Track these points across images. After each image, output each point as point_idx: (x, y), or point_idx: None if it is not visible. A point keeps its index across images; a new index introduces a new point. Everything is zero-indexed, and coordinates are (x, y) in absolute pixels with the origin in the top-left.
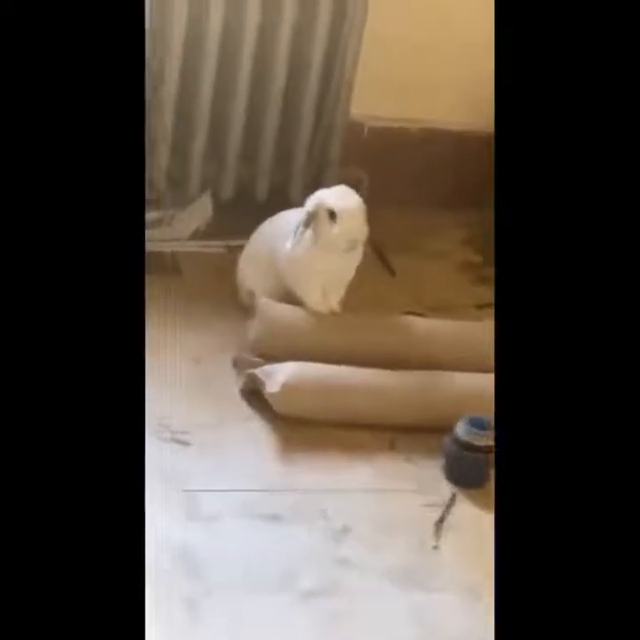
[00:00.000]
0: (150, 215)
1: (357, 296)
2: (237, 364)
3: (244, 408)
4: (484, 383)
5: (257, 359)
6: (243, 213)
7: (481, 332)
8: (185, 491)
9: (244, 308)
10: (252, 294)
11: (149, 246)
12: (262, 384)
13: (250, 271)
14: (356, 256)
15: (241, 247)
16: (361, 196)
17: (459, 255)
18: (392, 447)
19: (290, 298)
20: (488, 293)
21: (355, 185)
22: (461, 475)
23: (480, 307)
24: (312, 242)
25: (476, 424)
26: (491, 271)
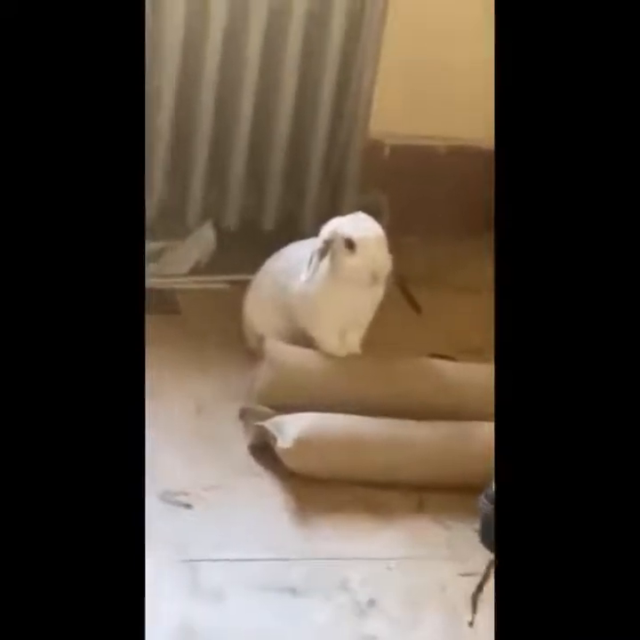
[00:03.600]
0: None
1: (379, 337)
2: (244, 416)
3: (253, 465)
4: None
5: (266, 410)
6: (248, 245)
7: None
8: (185, 560)
9: (251, 352)
10: (259, 336)
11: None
12: (273, 438)
13: (257, 310)
14: (378, 291)
15: (247, 283)
16: (381, 223)
17: (492, 290)
18: (420, 508)
19: (303, 340)
20: None
21: (374, 211)
22: None
23: None
24: (328, 275)
25: None
26: None
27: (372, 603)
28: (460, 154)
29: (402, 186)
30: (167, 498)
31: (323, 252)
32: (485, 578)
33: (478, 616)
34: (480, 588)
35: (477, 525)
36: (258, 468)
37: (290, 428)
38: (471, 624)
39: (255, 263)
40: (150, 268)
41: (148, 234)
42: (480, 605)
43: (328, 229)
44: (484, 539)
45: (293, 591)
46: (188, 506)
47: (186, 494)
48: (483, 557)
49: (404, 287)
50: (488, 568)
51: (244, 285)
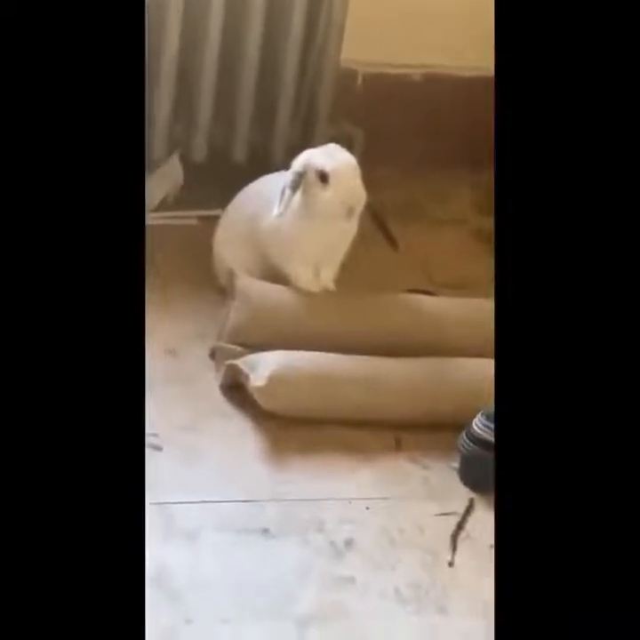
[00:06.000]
0: None
1: (354, 272)
2: (216, 355)
3: (225, 405)
4: None
5: (239, 348)
6: (218, 179)
7: None
8: (157, 503)
9: (222, 290)
10: (230, 273)
11: None
12: (245, 377)
13: (228, 246)
14: (352, 225)
15: (217, 218)
16: (355, 155)
17: (473, 222)
18: (398, 447)
19: (275, 276)
20: None
21: (347, 143)
22: (479, 477)
23: None
24: (300, 209)
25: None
26: None
27: (348, 544)
28: (436, 81)
29: (375, 116)
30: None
31: (295, 186)
32: (465, 517)
33: (458, 556)
34: (459, 527)
35: (456, 464)
36: (230, 409)
37: (263, 367)
38: (451, 564)
39: (225, 197)
40: None
41: None
42: (460, 545)
43: (300, 161)
44: (464, 478)
45: (267, 533)
46: (158, 448)
47: (157, 436)
48: (462, 496)
49: (380, 222)
50: (468, 507)
51: (213, 221)
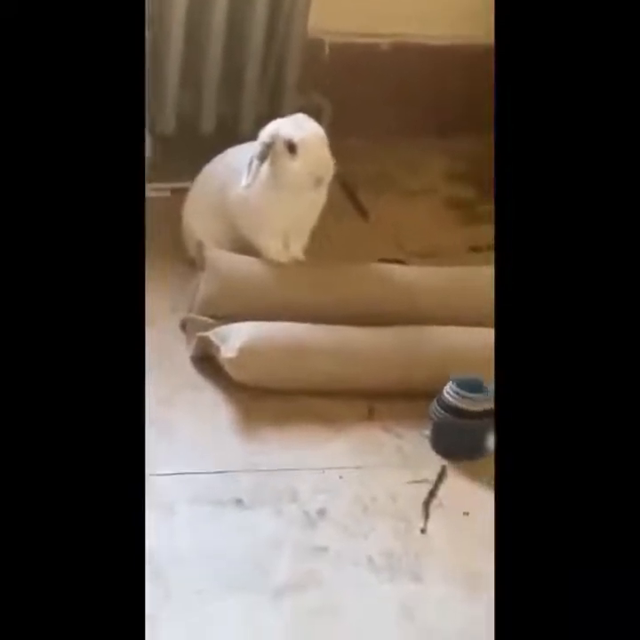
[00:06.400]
0: None
1: (325, 243)
2: (186, 327)
3: (196, 377)
4: (476, 338)
5: (209, 320)
6: (186, 150)
7: (473, 279)
8: None
9: (191, 261)
10: (200, 245)
11: None
12: (216, 348)
13: (196, 217)
14: (321, 195)
15: (185, 190)
16: (323, 125)
17: (444, 191)
18: (370, 416)
19: (244, 247)
20: (483, 234)
21: (316, 113)
22: (452, 445)
23: (474, 249)
24: (269, 180)
25: (468, 386)
26: (485, 208)
27: (321, 513)
28: (404, 50)
29: (344, 86)
30: None
31: (262, 156)
32: (437, 484)
33: (430, 523)
34: (432, 494)
35: (428, 432)
36: (201, 381)
37: (233, 338)
38: (423, 531)
39: (194, 170)
40: None
41: None
42: (432, 512)
43: (267, 132)
44: (435, 445)
45: (241, 503)
46: None
47: None
48: (434, 464)
49: (350, 192)
50: (439, 474)
51: (182, 193)
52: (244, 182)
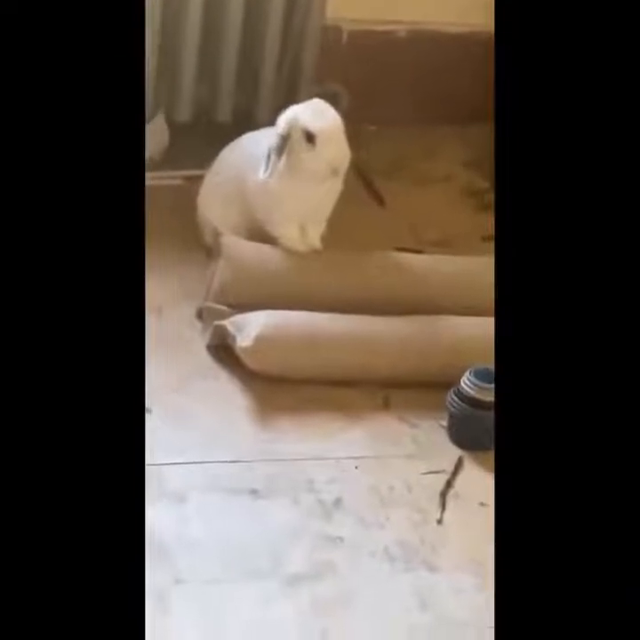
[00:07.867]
0: None
1: (341, 231)
2: (203, 315)
3: (212, 365)
4: (492, 329)
5: (225, 308)
6: (203, 138)
7: (488, 269)
8: (147, 464)
9: (207, 249)
10: (216, 232)
11: None
12: (232, 337)
13: (213, 206)
14: (338, 184)
15: (201, 178)
16: (340, 112)
17: (461, 179)
18: (386, 406)
19: (261, 235)
20: None
21: (333, 101)
22: (468, 436)
23: (487, 239)
24: (286, 170)
25: (485, 376)
26: None
27: (337, 503)
28: (421, 39)
29: (360, 73)
30: None
31: (280, 150)
32: (454, 475)
33: (446, 514)
34: (448, 485)
35: (444, 422)
36: (217, 369)
37: (249, 327)
38: (440, 522)
39: (210, 157)
40: None
41: None
42: (448, 503)
43: (285, 120)
44: (452, 436)
45: (256, 493)
46: (147, 410)
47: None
48: (450, 455)
49: (366, 180)
50: (456, 465)
51: (199, 181)
52: (261, 175)
